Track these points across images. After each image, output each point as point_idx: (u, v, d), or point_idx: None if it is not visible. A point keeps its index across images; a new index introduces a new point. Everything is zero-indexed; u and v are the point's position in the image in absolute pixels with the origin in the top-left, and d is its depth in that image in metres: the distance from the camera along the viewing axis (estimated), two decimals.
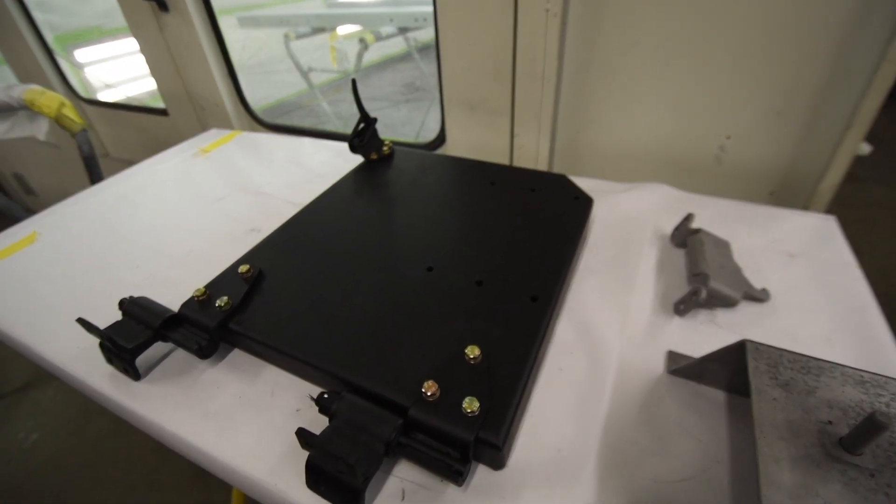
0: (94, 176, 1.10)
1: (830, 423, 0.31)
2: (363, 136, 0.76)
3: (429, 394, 0.39)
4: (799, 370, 0.34)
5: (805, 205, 0.73)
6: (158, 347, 0.54)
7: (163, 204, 0.84)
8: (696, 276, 0.53)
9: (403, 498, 0.38)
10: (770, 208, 0.68)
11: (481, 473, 0.39)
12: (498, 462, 0.39)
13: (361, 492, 0.36)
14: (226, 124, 1.23)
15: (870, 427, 0.27)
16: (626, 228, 0.66)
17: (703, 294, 0.49)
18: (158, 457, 1.40)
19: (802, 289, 0.55)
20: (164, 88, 1.27)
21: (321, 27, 1.99)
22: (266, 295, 0.54)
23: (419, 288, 0.52)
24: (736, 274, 0.53)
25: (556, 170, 0.90)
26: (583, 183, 0.78)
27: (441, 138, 0.96)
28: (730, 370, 0.41)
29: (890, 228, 2.01)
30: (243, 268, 0.55)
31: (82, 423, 1.53)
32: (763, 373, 0.34)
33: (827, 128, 0.66)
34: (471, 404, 0.38)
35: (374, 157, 0.77)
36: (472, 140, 0.90)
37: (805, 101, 0.67)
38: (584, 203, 0.63)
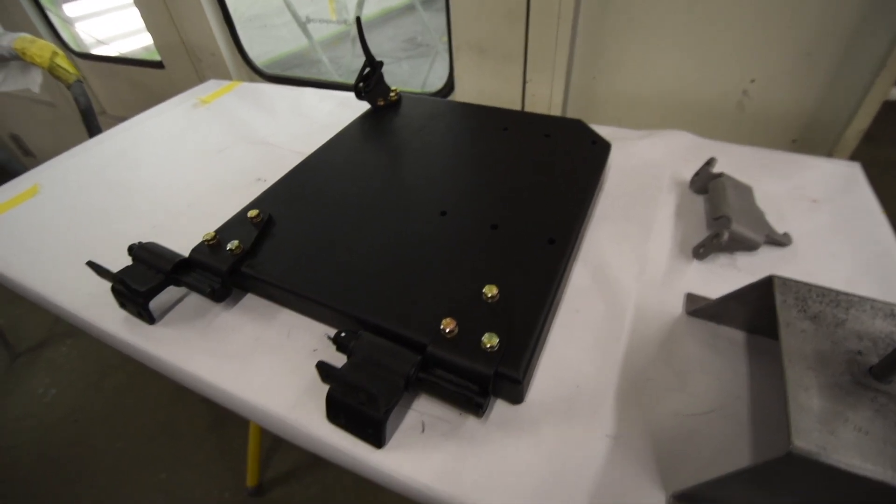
0: (92, 129, 1.07)
1: (860, 353, 0.30)
2: (369, 81, 0.73)
3: (447, 331, 0.39)
4: (828, 304, 0.33)
5: (829, 153, 0.70)
6: (171, 293, 0.54)
7: (164, 155, 0.82)
8: (718, 219, 0.51)
9: (423, 430, 0.39)
10: (793, 155, 0.66)
11: (500, 408, 0.40)
12: (516, 397, 0.39)
13: (383, 422, 0.36)
14: (224, 76, 1.18)
15: None
16: (644, 176, 0.65)
17: (725, 236, 0.48)
18: (175, 407, 1.45)
19: (825, 234, 0.54)
20: (160, 40, 1.21)
21: None
22: (277, 239, 0.53)
23: (433, 232, 0.51)
24: (759, 218, 0.52)
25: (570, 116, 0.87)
26: (599, 130, 0.76)
27: (449, 87, 0.92)
28: (751, 309, 0.40)
29: None
30: (252, 213, 0.54)
31: (99, 378, 1.57)
32: (791, 306, 0.33)
33: (857, 70, 0.63)
34: (490, 339, 0.37)
35: (380, 103, 0.74)
36: (482, 87, 0.86)
37: (836, 41, 0.63)
38: (601, 148, 0.61)
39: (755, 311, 0.40)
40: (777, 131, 0.73)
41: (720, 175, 0.57)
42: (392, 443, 0.38)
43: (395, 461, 0.37)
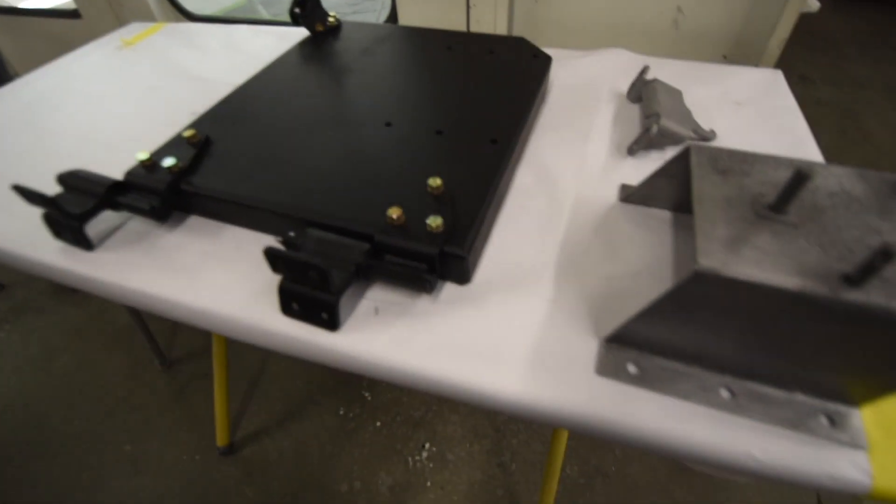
0: (2, 76, 0.98)
1: (762, 195, 0.34)
2: (305, 5, 0.70)
3: (394, 217, 0.40)
4: (736, 161, 0.36)
5: (756, 64, 0.75)
6: (108, 222, 0.52)
7: (87, 97, 0.76)
8: (649, 117, 0.54)
9: (377, 313, 0.40)
10: (723, 66, 0.70)
11: (449, 289, 0.41)
12: (464, 276, 0.41)
13: (335, 303, 0.37)
14: (148, 19, 1.10)
15: (794, 182, 0.30)
16: (585, 89, 0.67)
17: (655, 129, 0.51)
18: (133, 381, 1.40)
19: (747, 129, 0.58)
20: None
21: None
22: (216, 157, 0.51)
23: (378, 140, 0.51)
24: (686, 116, 0.55)
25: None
26: (549, 52, 0.77)
27: (392, 18, 0.90)
28: (675, 185, 0.44)
29: (834, 124, 2.13)
30: (189, 133, 0.52)
31: (46, 361, 1.49)
32: (704, 165, 0.36)
33: None
34: (435, 221, 0.39)
35: (319, 28, 0.72)
36: (427, 15, 0.85)
37: None
38: (542, 61, 0.62)
39: (679, 187, 0.43)
40: (709, 47, 0.76)
41: (653, 81, 0.59)
42: (346, 327, 0.39)
43: (350, 342, 0.38)
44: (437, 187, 0.42)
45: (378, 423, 1.25)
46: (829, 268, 0.28)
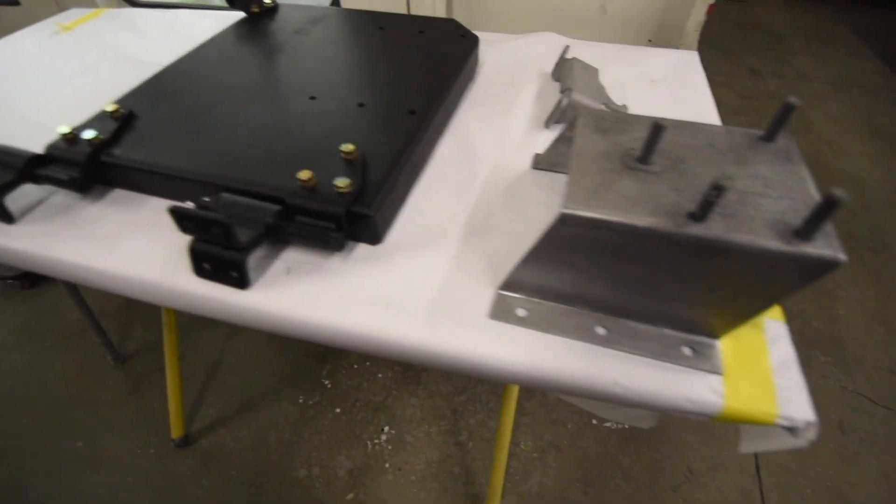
0: None
1: (633, 149, 0.37)
2: None
3: (304, 179, 0.41)
4: (616, 122, 0.39)
5: (677, 47, 0.79)
6: (32, 195, 0.51)
7: (18, 79, 0.75)
8: (563, 91, 0.57)
9: (289, 272, 0.42)
10: (644, 48, 0.74)
11: (361, 249, 0.43)
12: (374, 237, 0.43)
13: (243, 261, 0.39)
14: (89, 5, 1.08)
15: (652, 135, 0.33)
16: (513, 69, 0.69)
17: (565, 102, 0.54)
18: (86, 378, 1.37)
19: (657, 103, 0.62)
20: None
21: None
22: (138, 131, 0.52)
23: (300, 113, 0.52)
24: (599, 91, 0.59)
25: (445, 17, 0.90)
26: (482, 35, 0.79)
27: (336, 3, 0.91)
28: None
29: None
30: (111, 107, 0.52)
31: None
32: (587, 125, 0.39)
33: None
34: (342, 182, 0.40)
35: (255, 10, 0.72)
36: (369, 1, 0.87)
37: None
38: (469, 40, 0.65)
39: None
40: (635, 32, 0.80)
41: (571, 60, 0.62)
42: (258, 285, 0.41)
43: (259, 298, 0.40)
44: (350, 152, 0.44)
45: (338, 410, 1.26)
46: (680, 208, 0.31)
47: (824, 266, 0.28)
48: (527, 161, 0.53)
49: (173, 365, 1.16)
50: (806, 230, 0.28)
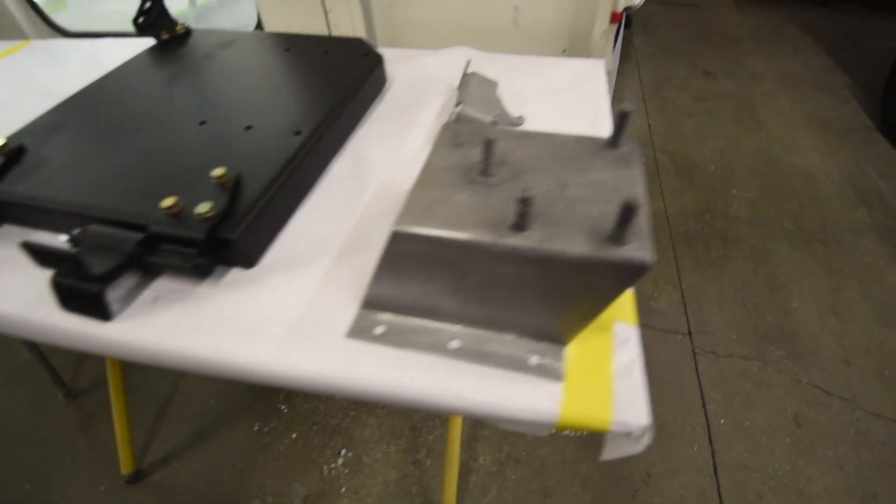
0: None
1: (479, 163, 0.37)
2: (149, 14, 0.71)
3: (168, 205, 0.41)
4: (474, 136, 0.40)
5: (588, 56, 0.81)
6: None
7: None
8: (457, 105, 0.58)
9: (155, 301, 0.41)
10: (554, 58, 0.75)
11: (234, 273, 0.43)
12: (246, 261, 0.43)
13: (100, 292, 0.38)
14: (20, 37, 1.07)
15: (486, 148, 0.34)
16: (423, 84, 0.70)
17: (453, 116, 0.54)
18: (35, 416, 1.33)
19: (555, 113, 0.63)
20: None
21: None
22: (26, 165, 0.51)
23: (187, 139, 0.52)
24: (494, 104, 0.60)
25: (380, 44, 0.91)
26: (396, 52, 0.81)
27: (259, 27, 0.92)
28: None
29: (732, 114, 2.29)
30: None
31: None
32: (443, 140, 0.40)
33: None
34: (203, 208, 0.40)
35: (165, 37, 0.72)
36: (289, 22, 0.87)
37: None
38: (372, 59, 0.66)
39: None
40: (549, 43, 0.82)
41: (470, 74, 0.63)
42: (122, 317, 0.40)
43: (122, 330, 0.39)
44: (221, 177, 0.44)
45: (294, 435, 1.23)
46: (506, 219, 0.32)
47: (635, 269, 0.29)
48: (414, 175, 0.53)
49: (119, 399, 1.13)
50: (618, 234, 0.29)
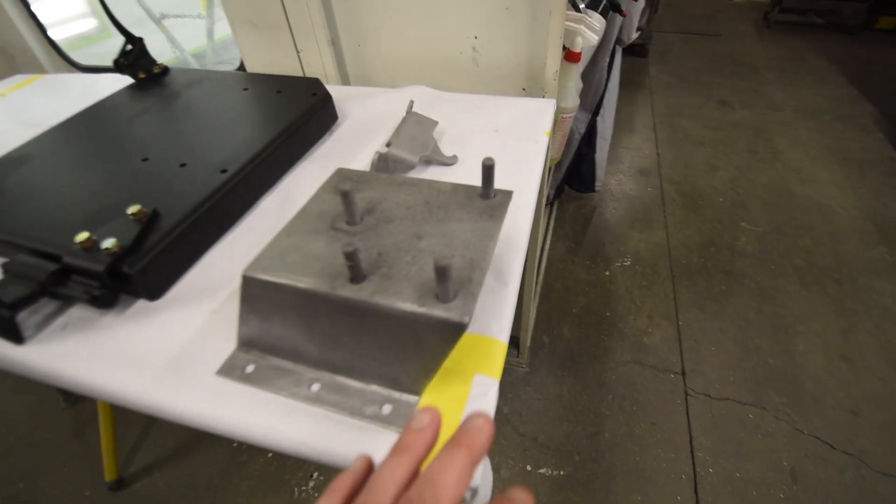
0: None
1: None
2: (129, 56, 0.77)
3: (81, 240, 0.44)
4: (357, 181, 0.41)
5: (543, 95, 0.81)
6: None
7: None
8: (387, 145, 0.60)
9: (65, 328, 0.44)
10: (504, 98, 0.77)
11: (139, 304, 0.46)
12: (148, 293, 0.45)
13: (10, 318, 0.41)
14: (39, 71, 1.18)
15: (344, 197, 0.35)
16: (372, 122, 0.73)
17: (376, 157, 0.56)
18: (36, 419, 1.41)
19: (489, 153, 0.63)
20: None
21: None
22: None
23: (127, 175, 0.56)
24: (425, 144, 0.61)
25: (353, 83, 0.95)
26: (358, 90, 0.84)
27: (241, 67, 0.98)
28: None
29: (746, 144, 2.22)
30: None
31: None
32: (329, 185, 0.41)
33: (542, 18, 0.74)
34: (109, 243, 0.43)
35: (142, 76, 0.78)
36: (265, 60, 0.93)
37: None
38: (320, 98, 0.69)
39: None
40: (508, 81, 0.84)
41: (408, 114, 0.66)
42: (34, 341, 0.43)
43: (30, 353, 0.42)
44: (136, 213, 0.47)
45: (269, 454, 1.25)
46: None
47: (452, 328, 0.29)
48: None
49: (105, 408, 1.18)
50: (444, 292, 0.29)
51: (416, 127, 0.63)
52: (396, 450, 0.21)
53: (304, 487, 1.19)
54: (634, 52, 3.07)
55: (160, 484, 1.24)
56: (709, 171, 2.11)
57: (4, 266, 0.46)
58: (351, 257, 0.29)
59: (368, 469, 0.22)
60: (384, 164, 0.58)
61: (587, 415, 1.32)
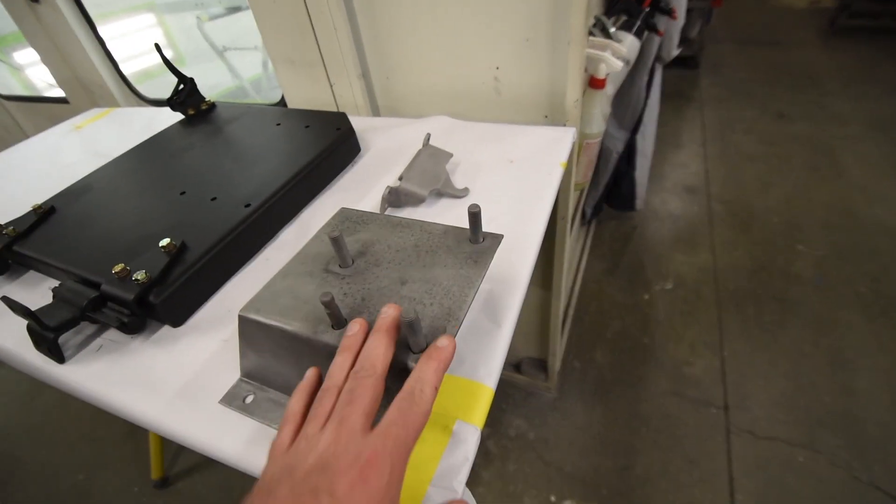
0: None
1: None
2: (181, 95, 0.85)
3: (117, 270, 0.49)
4: (355, 222, 0.43)
5: (564, 123, 0.81)
6: None
7: (24, 172, 0.94)
8: (399, 179, 0.62)
9: (99, 349, 0.49)
10: (523, 127, 0.77)
11: (164, 330, 0.50)
12: (172, 321, 0.50)
13: (53, 340, 0.47)
14: (113, 104, 1.32)
15: (334, 243, 0.37)
16: (392, 154, 0.76)
17: (387, 191, 0.59)
18: (97, 418, 1.54)
19: (503, 185, 0.64)
20: (58, 77, 1.36)
21: (237, 6, 2.06)
22: (50, 224, 0.64)
23: (166, 207, 0.62)
24: (435, 177, 0.63)
25: (383, 113, 0.99)
26: (383, 121, 0.88)
27: (282, 101, 1.05)
28: None
29: (805, 160, 2.07)
30: (36, 205, 0.66)
31: (31, 398, 1.67)
32: (333, 225, 0.44)
33: (561, 48, 0.74)
34: (140, 274, 0.48)
35: (191, 112, 0.86)
36: (303, 94, 0.99)
37: (544, 26, 0.75)
38: (343, 132, 0.72)
39: None
40: (530, 110, 0.84)
41: (424, 147, 0.68)
42: (74, 360, 0.48)
43: (68, 372, 0.47)
44: (166, 246, 0.52)
45: None
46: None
47: None
48: None
49: None
50: (414, 343, 0.30)
51: (428, 160, 0.65)
52: (339, 350, 0.32)
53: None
54: (685, 64, 2.96)
55: (199, 484, 1.32)
56: (762, 188, 1.98)
57: (54, 291, 0.52)
58: (328, 306, 0.31)
59: (318, 375, 0.33)
60: (395, 197, 0.60)
61: (618, 447, 1.26)
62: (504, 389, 1.44)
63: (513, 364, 1.47)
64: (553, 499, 1.17)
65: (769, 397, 1.30)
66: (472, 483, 1.21)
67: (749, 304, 1.56)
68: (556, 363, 1.38)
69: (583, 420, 1.34)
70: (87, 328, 0.52)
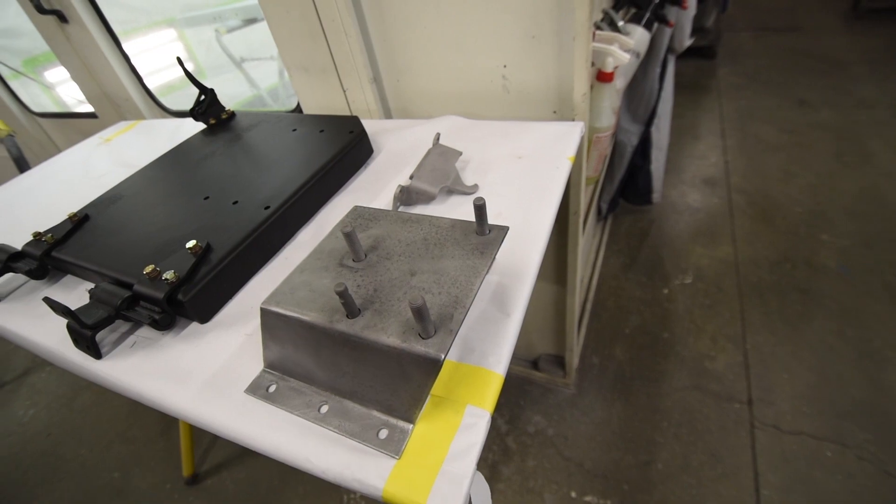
0: (23, 166, 1.28)
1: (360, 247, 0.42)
2: (202, 106, 0.89)
3: (148, 271, 0.52)
4: (367, 219, 0.45)
5: (573, 118, 0.82)
6: (9, 283, 0.69)
7: (59, 183, 0.99)
8: (410, 178, 0.64)
9: (133, 345, 0.52)
10: (530, 123, 0.78)
11: (192, 327, 0.53)
12: (199, 317, 0.52)
13: (90, 337, 0.50)
14: (139, 117, 1.38)
15: (347, 238, 0.39)
16: (403, 154, 0.78)
17: (398, 190, 0.60)
18: (132, 418, 1.61)
19: (510, 180, 0.65)
20: (87, 93, 1.42)
21: (253, 18, 2.12)
22: (86, 231, 0.68)
23: (191, 211, 0.65)
24: (445, 175, 0.64)
25: (395, 116, 1.01)
26: (395, 123, 0.90)
27: (298, 108, 1.08)
28: None
29: (829, 148, 2.01)
30: (71, 213, 0.70)
31: (71, 398, 1.75)
32: (347, 223, 0.46)
33: (567, 43, 0.75)
34: (169, 274, 0.51)
35: (212, 122, 0.90)
36: (317, 100, 1.02)
37: (549, 22, 0.76)
38: (355, 135, 0.75)
39: None
40: (539, 106, 0.85)
41: (434, 146, 0.69)
42: (110, 356, 0.52)
43: (105, 367, 0.51)
44: (192, 248, 0.55)
45: None
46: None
47: (430, 363, 0.31)
48: None
49: None
50: (424, 328, 0.32)
51: (438, 159, 0.66)
52: None
53: (352, 495, 1.25)
54: (701, 53, 2.91)
55: (228, 482, 1.36)
56: (784, 178, 1.94)
57: (91, 292, 0.56)
58: (342, 296, 0.33)
59: None
60: (407, 195, 0.62)
61: (639, 442, 1.25)
62: (522, 386, 1.44)
63: (530, 361, 1.48)
64: (574, 494, 1.17)
65: (794, 391, 1.28)
66: (491, 479, 1.22)
67: (772, 296, 1.53)
68: (573, 359, 1.38)
69: (602, 416, 1.33)
70: (121, 326, 0.55)
